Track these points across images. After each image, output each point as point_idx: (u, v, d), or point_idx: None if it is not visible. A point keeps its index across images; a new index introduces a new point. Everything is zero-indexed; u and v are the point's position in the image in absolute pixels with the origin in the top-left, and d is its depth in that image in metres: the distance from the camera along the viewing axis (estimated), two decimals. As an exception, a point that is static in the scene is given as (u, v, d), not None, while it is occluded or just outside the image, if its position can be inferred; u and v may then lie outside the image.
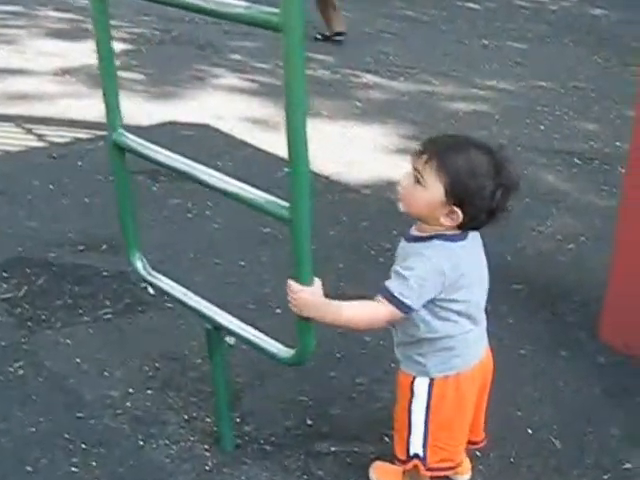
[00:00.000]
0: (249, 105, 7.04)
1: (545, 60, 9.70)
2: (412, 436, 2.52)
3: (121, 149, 2.57)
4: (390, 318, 2.35)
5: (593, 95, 8.34)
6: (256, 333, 2.58)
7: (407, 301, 2.29)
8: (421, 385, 2.48)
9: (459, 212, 2.28)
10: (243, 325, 2.62)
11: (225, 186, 2.30)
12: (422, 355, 2.45)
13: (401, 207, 2.37)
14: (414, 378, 2.48)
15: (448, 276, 2.31)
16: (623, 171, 6.06)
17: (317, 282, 2.31)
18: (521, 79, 8.74)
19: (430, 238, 2.34)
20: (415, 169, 2.29)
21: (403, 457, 2.57)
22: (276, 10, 1.85)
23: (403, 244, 2.43)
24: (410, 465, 2.57)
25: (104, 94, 2.51)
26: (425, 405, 2.49)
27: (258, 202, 2.23)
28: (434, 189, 2.27)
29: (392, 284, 2.30)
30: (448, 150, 2.30)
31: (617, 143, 6.84)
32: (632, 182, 3.54)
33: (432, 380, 2.47)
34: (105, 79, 2.50)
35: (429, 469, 2.58)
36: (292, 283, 2.28)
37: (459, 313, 2.41)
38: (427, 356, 2.44)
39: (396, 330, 2.50)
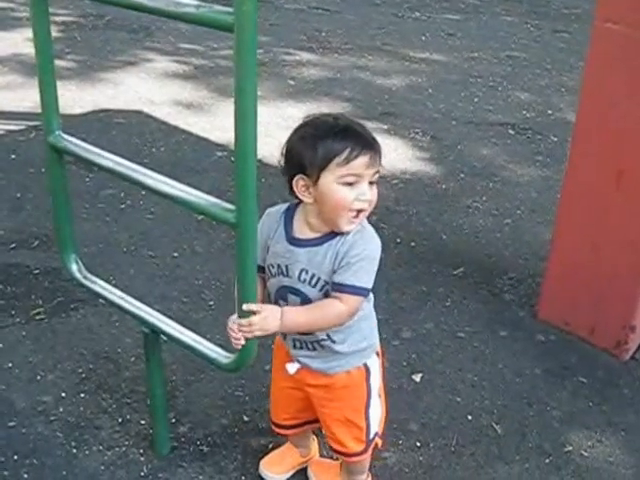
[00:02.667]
0: (182, 89, 6.93)
1: (478, 30, 9.72)
2: (372, 419, 2.49)
3: (58, 152, 2.45)
4: (356, 309, 2.24)
5: (525, 64, 8.39)
6: (194, 337, 2.48)
7: (368, 285, 2.22)
8: (374, 363, 2.45)
9: None
10: (181, 329, 2.52)
11: (169, 190, 2.17)
12: (366, 337, 2.39)
13: (355, 226, 2.19)
14: (365, 364, 2.42)
15: None
16: (556, 140, 6.14)
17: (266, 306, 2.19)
18: (454, 50, 8.75)
19: None
20: (376, 172, 2.16)
21: (363, 447, 2.52)
22: (229, 9, 1.74)
23: (317, 248, 2.22)
24: (371, 448, 2.55)
25: (41, 95, 2.37)
26: (379, 378, 2.49)
27: (202, 206, 2.10)
28: None
29: (351, 278, 2.18)
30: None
31: (549, 112, 6.90)
32: (576, 156, 3.50)
33: (377, 352, 2.47)
34: (43, 79, 2.35)
35: (381, 437, 2.59)
36: (252, 318, 2.12)
37: None
38: (369, 334, 2.41)
39: (330, 337, 2.34)
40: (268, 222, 2.31)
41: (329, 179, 2.12)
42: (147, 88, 6.89)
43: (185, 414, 3.10)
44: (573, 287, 3.67)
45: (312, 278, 2.24)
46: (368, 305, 2.37)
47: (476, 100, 7.12)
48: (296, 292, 2.27)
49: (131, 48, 8.05)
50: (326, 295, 2.24)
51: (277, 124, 5.92)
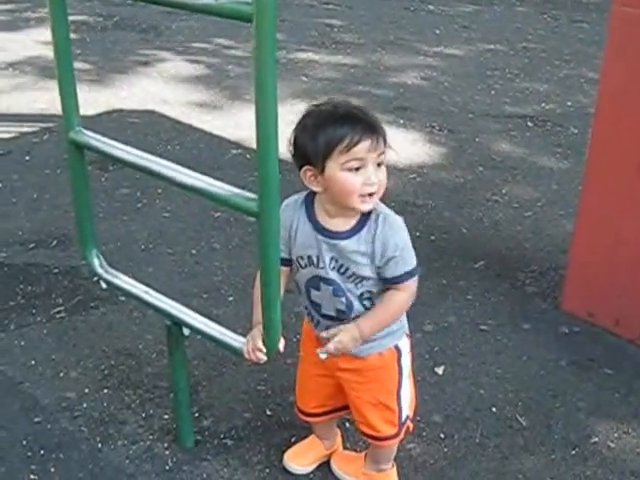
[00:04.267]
0: (194, 88, 6.95)
1: (492, 22, 9.71)
2: (403, 401, 2.53)
3: (79, 147, 2.46)
4: (415, 290, 2.34)
5: (543, 55, 8.37)
6: (218, 328, 2.51)
7: (415, 262, 2.30)
8: (405, 344, 2.50)
9: None
10: (205, 320, 2.54)
11: (191, 181, 2.18)
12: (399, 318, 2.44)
13: (370, 206, 2.22)
14: (396, 346, 2.47)
15: None
16: (576, 131, 6.10)
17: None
18: (470, 43, 8.73)
19: (371, 212, 2.26)
20: (381, 154, 2.19)
21: (395, 430, 2.55)
22: (247, 0, 1.76)
23: (347, 242, 2.25)
24: (403, 431, 2.58)
25: (61, 92, 2.38)
26: (409, 359, 2.53)
27: (224, 196, 2.11)
28: None
29: (401, 268, 2.26)
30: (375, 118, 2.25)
31: (568, 103, 6.87)
32: (597, 145, 3.48)
33: (406, 334, 2.52)
34: (62, 76, 2.36)
35: (412, 420, 2.63)
36: (329, 346, 2.28)
37: None
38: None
39: (352, 310, 2.38)
40: (288, 214, 2.31)
41: (334, 167, 2.16)
42: (159, 88, 6.92)
43: (208, 408, 3.10)
44: (597, 278, 3.64)
45: (341, 267, 2.28)
46: None
47: (493, 93, 7.10)
48: (328, 281, 2.31)
49: (141, 48, 8.10)
50: (355, 284, 2.28)
51: (291, 121, 5.89)
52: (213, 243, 4.33)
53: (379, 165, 2.20)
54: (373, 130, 2.16)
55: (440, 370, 3.36)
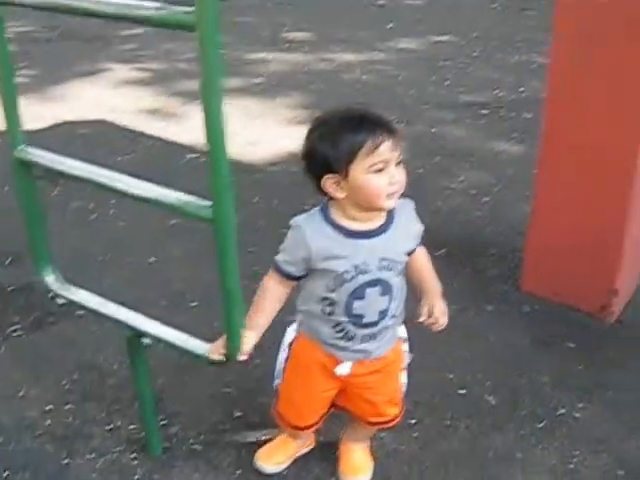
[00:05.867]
0: (143, 95, 6.90)
1: (444, 14, 9.74)
2: (404, 380, 2.64)
3: (26, 165, 2.40)
4: None
5: (495, 43, 8.40)
6: (179, 335, 2.45)
7: None
8: (403, 329, 2.60)
9: None
10: (165, 328, 2.49)
11: (143, 193, 2.13)
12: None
13: (394, 203, 2.26)
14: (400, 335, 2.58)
15: None
16: (530, 116, 6.11)
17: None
18: (422, 36, 8.76)
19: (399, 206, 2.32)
20: (400, 153, 2.20)
21: (399, 408, 2.63)
22: (189, 9, 1.73)
23: (388, 234, 2.30)
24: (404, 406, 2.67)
25: (4, 109, 2.33)
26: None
27: (177, 204, 2.07)
28: None
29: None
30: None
31: (521, 89, 6.90)
32: (548, 129, 3.53)
33: None
34: (5, 93, 2.33)
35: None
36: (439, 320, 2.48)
37: None
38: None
39: (393, 314, 2.42)
40: (311, 234, 2.28)
41: (359, 171, 2.17)
42: (109, 97, 6.86)
43: (175, 415, 3.05)
44: (555, 256, 3.65)
45: (389, 263, 2.31)
46: None
47: (447, 83, 7.11)
48: (375, 283, 2.31)
49: (88, 58, 8.04)
50: (398, 273, 2.35)
51: (245, 124, 5.90)
52: (171, 251, 4.27)
53: (398, 164, 2.21)
54: (391, 130, 2.18)
55: (408, 358, 3.34)
